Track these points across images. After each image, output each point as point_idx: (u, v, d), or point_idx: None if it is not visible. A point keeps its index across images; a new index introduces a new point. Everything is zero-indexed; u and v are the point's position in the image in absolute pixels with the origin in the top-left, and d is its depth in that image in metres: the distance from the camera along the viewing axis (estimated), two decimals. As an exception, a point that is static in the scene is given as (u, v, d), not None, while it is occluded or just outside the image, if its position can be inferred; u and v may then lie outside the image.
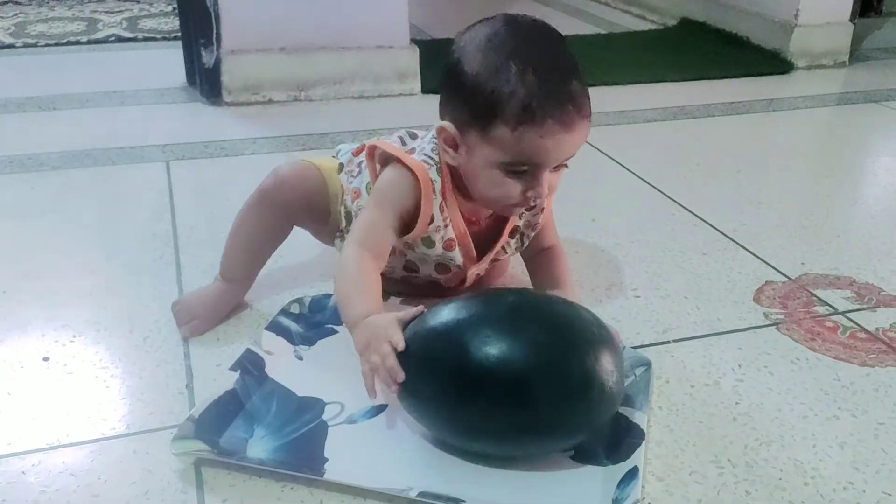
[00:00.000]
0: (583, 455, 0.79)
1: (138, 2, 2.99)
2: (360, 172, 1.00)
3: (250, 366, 0.88)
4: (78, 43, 2.41)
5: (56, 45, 2.39)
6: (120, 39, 2.47)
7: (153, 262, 1.16)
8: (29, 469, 0.77)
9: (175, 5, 2.29)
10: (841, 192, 1.51)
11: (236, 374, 0.86)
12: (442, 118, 0.90)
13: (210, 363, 0.93)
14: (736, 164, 1.62)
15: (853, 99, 2.10)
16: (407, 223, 0.93)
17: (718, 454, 0.81)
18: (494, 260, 1.01)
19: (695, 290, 1.12)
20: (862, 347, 0.99)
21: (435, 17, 2.73)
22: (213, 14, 1.82)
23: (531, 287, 1.04)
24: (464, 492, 0.73)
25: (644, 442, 0.78)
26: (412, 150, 0.95)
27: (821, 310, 1.08)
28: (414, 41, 2.01)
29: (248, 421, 0.82)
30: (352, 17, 1.90)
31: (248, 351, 0.90)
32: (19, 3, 2.91)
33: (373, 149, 0.96)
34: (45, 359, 0.94)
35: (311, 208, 1.02)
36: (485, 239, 0.98)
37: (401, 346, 0.78)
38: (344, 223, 1.01)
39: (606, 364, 0.75)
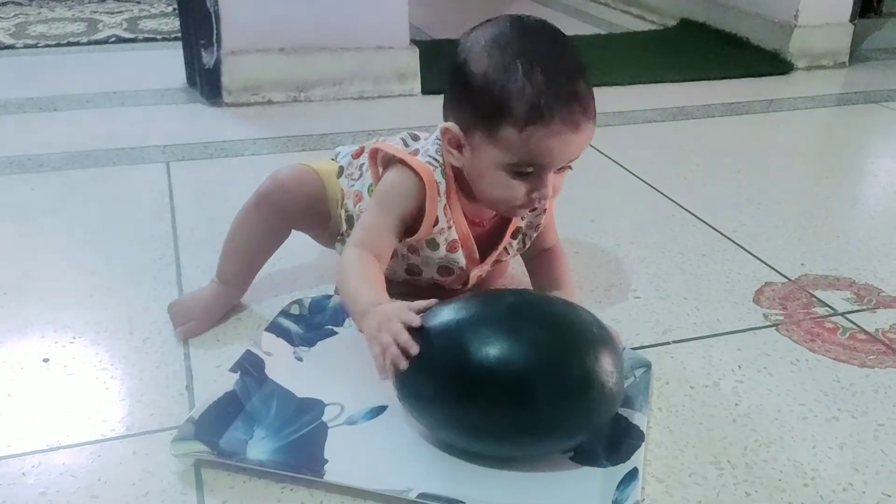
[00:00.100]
0: (582, 456, 0.79)
1: (138, 2, 2.99)
2: (361, 175, 1.00)
3: (250, 367, 0.88)
4: (78, 44, 2.41)
5: (56, 45, 2.39)
6: (120, 40, 2.47)
7: (153, 262, 1.16)
8: (29, 470, 0.78)
9: (175, 6, 2.30)
10: (841, 193, 1.51)
11: (236, 376, 0.86)
12: (446, 119, 0.89)
13: (210, 364, 0.93)
14: (736, 164, 1.62)
15: (853, 100, 2.10)
16: (409, 226, 0.93)
17: (718, 455, 0.81)
18: (496, 261, 1.01)
19: (694, 291, 1.12)
20: (861, 348, 1.00)
21: (435, 17, 2.74)
22: (213, 15, 1.83)
23: (531, 288, 1.04)
24: (463, 493, 0.73)
25: (644, 443, 0.78)
26: (416, 152, 0.94)
27: (820, 311, 1.08)
28: (414, 42, 2.01)
29: (248, 422, 0.82)
30: (352, 17, 1.90)
31: (248, 352, 0.90)
32: (20, 4, 2.91)
33: (375, 151, 0.96)
34: (45, 360, 0.94)
35: (310, 212, 1.02)
36: (487, 240, 0.98)
37: (416, 322, 0.77)
38: (345, 227, 1.01)
39: (606, 364, 0.75)
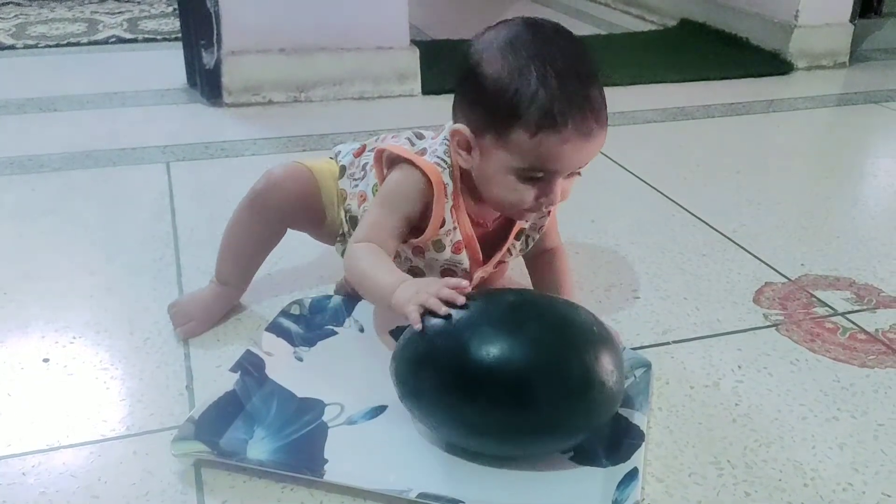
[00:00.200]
0: (582, 456, 0.79)
1: (139, 3, 2.99)
2: (364, 175, 0.99)
3: (250, 367, 0.88)
4: (78, 44, 2.41)
5: (56, 46, 2.39)
6: (120, 40, 2.47)
7: (153, 263, 1.16)
8: (29, 470, 0.78)
9: (175, 6, 2.30)
10: (841, 193, 1.51)
11: (236, 376, 0.86)
12: (455, 120, 0.89)
13: (210, 364, 0.93)
14: (736, 164, 1.62)
15: (853, 100, 2.10)
16: (414, 226, 0.92)
17: (718, 455, 0.81)
18: (499, 262, 1.01)
19: (694, 292, 1.12)
20: (861, 349, 1.00)
21: (435, 17, 2.74)
22: (213, 15, 1.83)
23: (531, 288, 1.04)
24: (463, 492, 0.73)
25: (644, 443, 0.78)
26: (422, 151, 0.93)
27: (820, 311, 1.08)
28: (414, 42, 2.01)
29: (248, 422, 0.82)
30: (352, 17, 1.90)
31: (248, 352, 0.90)
32: (20, 5, 2.92)
33: (380, 151, 0.95)
34: (46, 360, 0.94)
35: (304, 210, 1.01)
36: (491, 241, 0.98)
37: (465, 283, 0.79)
38: (346, 227, 1.00)
39: (606, 364, 0.75)
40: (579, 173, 0.88)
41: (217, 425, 0.80)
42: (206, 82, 1.88)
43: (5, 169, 1.49)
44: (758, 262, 1.21)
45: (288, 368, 0.91)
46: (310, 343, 0.96)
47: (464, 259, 0.95)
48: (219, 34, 1.83)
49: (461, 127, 0.87)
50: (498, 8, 2.87)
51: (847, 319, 1.06)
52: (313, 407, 0.85)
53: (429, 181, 0.89)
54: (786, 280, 1.16)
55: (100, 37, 2.49)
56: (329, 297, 1.02)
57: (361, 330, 0.98)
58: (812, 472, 0.79)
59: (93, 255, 1.18)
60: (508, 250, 0.99)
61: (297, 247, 1.12)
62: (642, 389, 0.86)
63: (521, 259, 1.05)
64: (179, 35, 2.03)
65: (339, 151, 1.04)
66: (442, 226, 0.91)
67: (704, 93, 2.09)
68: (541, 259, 1.04)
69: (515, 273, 1.11)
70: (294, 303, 1.00)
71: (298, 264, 1.15)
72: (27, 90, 1.96)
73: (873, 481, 0.78)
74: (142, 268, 1.14)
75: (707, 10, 2.61)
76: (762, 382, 0.92)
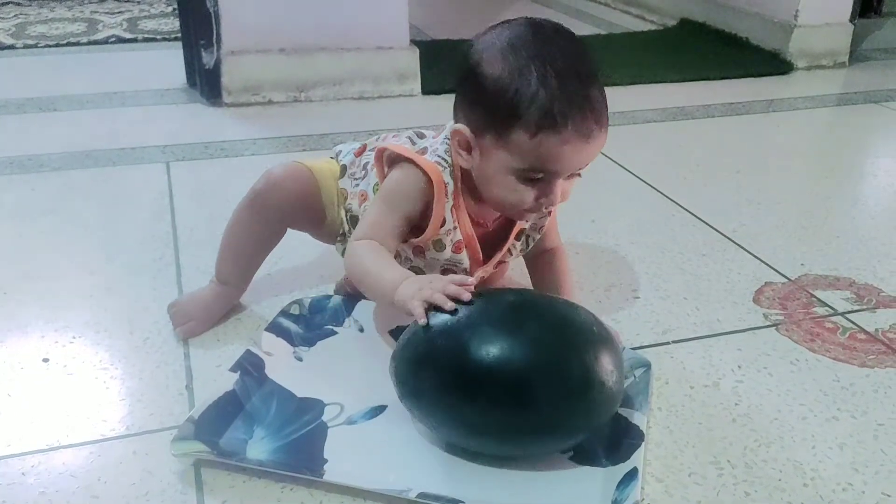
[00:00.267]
0: (582, 456, 0.79)
1: (138, 3, 2.99)
2: (365, 175, 0.99)
3: (250, 367, 0.88)
4: (78, 44, 2.41)
5: (56, 45, 2.39)
6: (120, 40, 2.47)
7: (153, 262, 1.16)
8: (29, 470, 0.78)
9: (175, 6, 2.30)
10: (840, 193, 1.51)
11: (236, 375, 0.86)
12: (456, 120, 0.88)
13: (210, 364, 0.93)
14: (735, 164, 1.62)
15: (853, 100, 2.10)
16: (415, 226, 0.92)
17: (718, 455, 0.81)
18: (499, 262, 1.01)
19: (694, 291, 1.12)
20: (861, 348, 1.00)
21: (435, 17, 2.74)
22: (213, 15, 1.83)
23: (531, 288, 1.04)
24: (463, 492, 0.73)
25: (643, 443, 0.78)
26: (423, 151, 0.93)
27: (820, 311, 1.08)
28: (414, 42, 2.01)
29: (248, 422, 0.82)
30: (351, 17, 1.90)
31: (248, 352, 0.90)
32: (19, 4, 2.91)
33: (381, 151, 0.95)
34: (45, 360, 0.94)
35: (305, 210, 1.01)
36: (491, 241, 0.98)
37: (470, 280, 0.79)
38: (347, 227, 1.00)
39: (606, 364, 0.75)
40: (579, 174, 0.88)
41: (217, 425, 0.80)
42: (206, 82, 1.88)
43: (5, 168, 1.49)
44: (758, 261, 1.21)
45: (288, 368, 0.91)
46: (309, 343, 0.96)
47: (464, 259, 0.95)
48: (218, 34, 1.83)
49: (461, 127, 0.87)
50: (498, 8, 2.87)
51: (847, 319, 1.06)
52: (313, 407, 0.85)
53: (429, 180, 0.89)
54: (786, 280, 1.16)
55: (99, 37, 2.49)
56: (329, 296, 1.02)
57: (361, 330, 0.98)
58: (812, 471, 0.79)
59: (92, 254, 1.18)
60: (509, 250, 0.99)
61: (296, 247, 1.12)
62: (642, 389, 0.86)
63: (521, 259, 1.05)
64: (179, 35, 2.03)
65: (340, 151, 1.04)
66: (442, 225, 0.91)
67: (704, 92, 2.09)
68: (541, 259, 1.04)
69: (515, 273, 1.11)
70: (294, 303, 1.00)
71: (298, 264, 1.15)
72: (27, 90, 1.96)
73: (873, 481, 0.78)
74: (141, 268, 1.14)
75: (707, 9, 2.61)
76: (762, 382, 0.92)
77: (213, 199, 1.37)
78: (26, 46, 2.37)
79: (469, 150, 0.87)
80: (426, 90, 1.98)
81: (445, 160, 0.91)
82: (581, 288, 1.09)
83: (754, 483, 0.77)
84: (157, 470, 0.77)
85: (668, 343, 1.00)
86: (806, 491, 0.77)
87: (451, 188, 0.90)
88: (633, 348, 0.96)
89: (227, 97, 1.87)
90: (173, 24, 2.57)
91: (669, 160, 1.64)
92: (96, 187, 1.43)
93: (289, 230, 1.03)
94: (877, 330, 1.04)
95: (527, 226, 0.98)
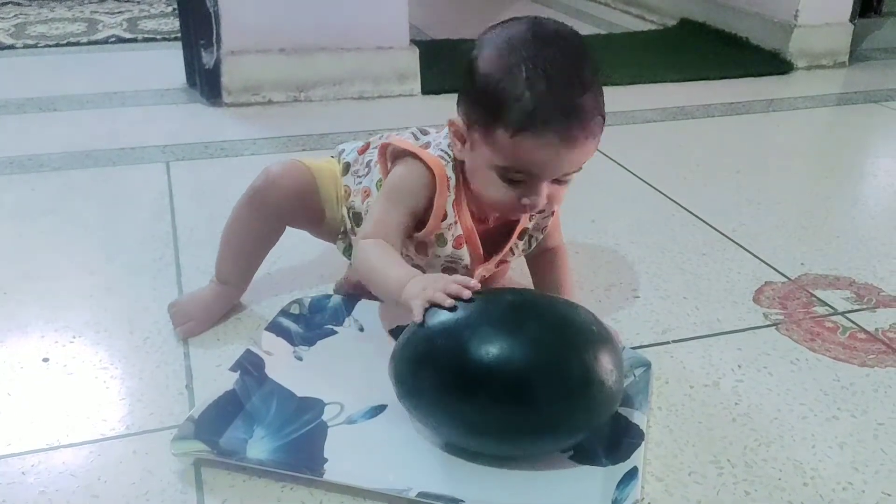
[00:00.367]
0: (582, 455, 0.79)
1: (138, 3, 2.99)
2: (368, 172, 0.99)
3: (250, 366, 0.88)
4: (78, 44, 2.41)
5: (56, 45, 2.39)
6: (120, 40, 2.47)
7: (153, 262, 1.16)
8: (29, 469, 0.78)
9: (175, 6, 2.30)
10: (840, 193, 1.51)
11: (236, 375, 0.86)
12: (458, 112, 0.89)
13: (210, 364, 0.93)
14: (735, 164, 1.62)
15: (853, 99, 2.10)
16: (419, 220, 0.92)
17: (718, 454, 0.81)
18: (501, 261, 1.01)
19: (694, 291, 1.12)
20: (861, 348, 1.00)
21: (435, 17, 2.74)
22: (212, 15, 1.83)
23: (532, 287, 1.04)
24: (463, 492, 0.73)
25: (643, 442, 0.78)
26: (427, 145, 0.93)
27: (820, 310, 1.08)
28: (414, 42, 2.01)
29: (248, 421, 0.82)
30: (351, 17, 1.90)
31: (248, 351, 0.90)
32: (19, 4, 2.91)
33: (385, 146, 0.95)
34: (45, 359, 0.94)
35: (303, 208, 1.01)
36: (493, 240, 0.98)
37: (473, 282, 0.79)
38: (350, 224, 1.00)
39: (606, 363, 0.75)
40: (568, 180, 0.88)
41: (217, 424, 0.80)
42: (206, 82, 1.88)
43: (5, 168, 1.49)
44: (758, 261, 1.21)
45: (287, 368, 0.91)
46: (309, 342, 0.96)
47: (464, 255, 0.95)
48: (218, 34, 1.83)
49: (456, 118, 0.88)
50: (498, 8, 2.87)
51: (847, 319, 1.06)
52: (313, 406, 0.85)
53: (432, 174, 0.90)
54: (786, 279, 1.16)
55: (99, 36, 2.49)
56: (329, 296, 1.02)
57: (361, 329, 0.98)
58: (812, 471, 0.79)
59: (92, 254, 1.18)
60: (511, 250, 0.99)
61: (296, 245, 1.12)
62: (642, 389, 0.86)
63: (522, 259, 1.05)
64: (179, 35, 2.03)
65: (343, 150, 1.04)
66: (444, 219, 0.91)
67: (704, 92, 2.09)
68: (542, 258, 1.04)
69: (516, 273, 1.11)
70: (294, 302, 1.00)
71: (298, 264, 1.15)
72: (27, 90, 1.96)
73: (873, 480, 0.78)
74: (141, 267, 1.14)
75: (707, 9, 2.61)
76: (762, 382, 0.92)
77: (213, 199, 1.37)
78: (26, 46, 2.37)
79: (463, 141, 0.88)
80: (426, 90, 1.98)
81: (448, 154, 0.91)
82: (581, 287, 1.09)
83: (754, 482, 0.77)
84: (157, 469, 0.77)
85: (667, 343, 0.99)
86: (806, 490, 0.77)
87: (453, 182, 0.91)
88: (633, 348, 0.96)
89: (227, 97, 1.87)
90: (173, 24, 2.57)
91: (669, 160, 1.64)
92: (96, 187, 1.43)
93: (288, 229, 1.03)
94: (877, 329, 1.04)
95: (530, 225, 0.98)
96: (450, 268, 0.97)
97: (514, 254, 1.00)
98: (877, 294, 1.13)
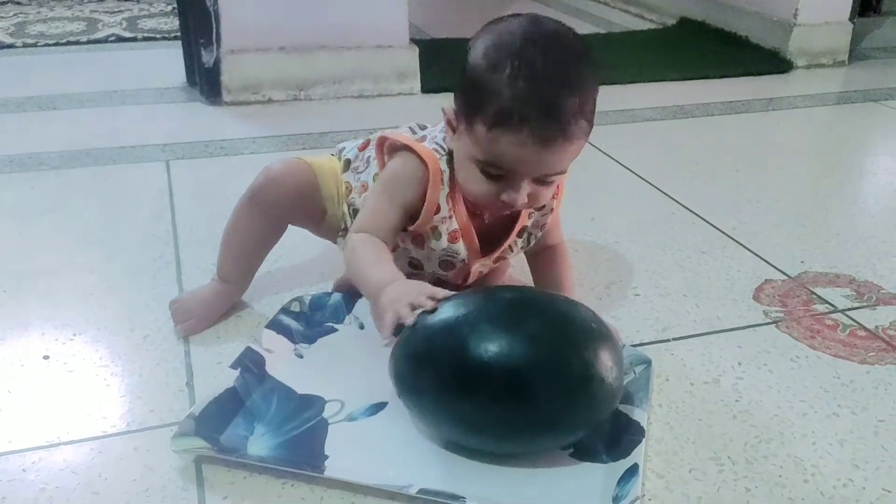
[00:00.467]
0: (583, 452, 0.79)
1: (138, 2, 2.99)
2: (367, 167, 0.99)
3: (251, 364, 0.88)
4: (78, 43, 2.41)
5: (56, 44, 2.39)
6: (120, 39, 2.47)
7: (153, 261, 1.16)
8: (29, 466, 0.78)
9: (175, 5, 2.30)
10: (840, 191, 1.51)
11: (236, 372, 0.86)
12: (453, 101, 0.90)
13: (210, 361, 0.93)
14: (735, 162, 1.62)
15: (852, 98, 2.10)
16: (414, 213, 0.92)
17: (718, 451, 0.81)
18: (500, 258, 1.01)
19: (694, 289, 1.12)
20: (861, 345, 1.00)
21: (435, 17, 2.74)
22: (212, 14, 1.83)
23: (531, 285, 1.04)
24: (463, 489, 0.73)
25: (644, 439, 0.78)
26: (423, 139, 0.94)
27: (820, 308, 1.08)
28: (413, 41, 2.01)
29: (249, 418, 0.82)
30: (352, 16, 1.90)
31: (249, 349, 0.90)
32: (19, 3, 2.91)
33: (382, 140, 0.96)
34: (46, 357, 0.94)
35: (304, 206, 1.01)
36: (492, 236, 0.98)
37: (441, 294, 0.79)
38: (350, 222, 1.00)
39: (606, 360, 0.75)
40: (552, 182, 0.87)
41: (217, 422, 0.80)
42: (206, 81, 1.88)
43: (5, 167, 1.49)
44: (758, 259, 1.21)
45: (288, 365, 0.91)
46: (310, 340, 0.96)
47: (460, 249, 0.95)
48: (218, 33, 1.83)
49: (448, 107, 0.89)
50: (498, 7, 2.87)
51: (847, 316, 1.06)
52: (313, 403, 0.85)
53: (426, 167, 0.90)
54: (786, 277, 1.16)
55: (99, 35, 2.49)
56: (329, 294, 1.02)
57: (361, 327, 0.98)
58: (812, 468, 0.79)
59: (92, 252, 1.18)
60: (510, 247, 0.99)
61: (297, 243, 1.12)
62: (642, 386, 0.87)
63: (522, 256, 1.05)
64: (179, 34, 2.03)
65: (343, 147, 1.05)
66: (437, 212, 0.91)
67: (704, 91, 2.09)
68: (542, 256, 1.04)
69: (516, 271, 1.11)
70: (294, 300, 1.00)
71: (299, 262, 1.15)
72: (27, 89, 1.96)
73: (873, 477, 0.78)
74: (142, 266, 1.14)
75: (706, 8, 2.61)
76: (762, 379, 0.93)
77: (213, 198, 1.37)
78: (26, 45, 2.37)
79: (453, 130, 0.88)
80: (426, 89, 1.98)
81: (443, 147, 0.91)
82: (581, 285, 1.09)
83: (755, 479, 0.77)
84: (157, 466, 0.77)
85: (668, 340, 1.00)
86: (806, 487, 0.77)
87: (447, 176, 0.91)
88: (634, 345, 0.96)
89: (226, 96, 1.87)
90: (173, 22, 2.57)
91: (669, 158, 1.64)
92: (96, 186, 1.43)
93: (289, 228, 1.03)
94: (877, 327, 1.04)
95: (529, 223, 0.98)
96: (447, 262, 0.97)
97: (512, 251, 1.00)
98: (877, 291, 1.13)
